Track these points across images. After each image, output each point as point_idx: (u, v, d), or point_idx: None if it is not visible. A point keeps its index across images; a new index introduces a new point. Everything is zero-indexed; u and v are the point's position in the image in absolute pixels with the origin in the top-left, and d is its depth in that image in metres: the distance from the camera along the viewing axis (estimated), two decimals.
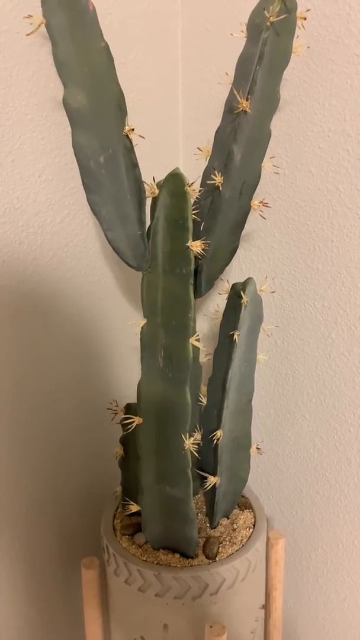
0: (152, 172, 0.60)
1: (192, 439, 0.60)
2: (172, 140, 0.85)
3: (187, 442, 0.60)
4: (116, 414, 0.68)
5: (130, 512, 0.69)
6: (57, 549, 0.85)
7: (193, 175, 0.64)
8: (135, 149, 0.79)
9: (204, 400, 0.69)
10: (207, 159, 0.65)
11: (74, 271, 0.77)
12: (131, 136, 0.55)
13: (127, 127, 0.54)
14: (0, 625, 0.81)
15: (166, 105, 0.83)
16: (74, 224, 0.75)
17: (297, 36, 0.60)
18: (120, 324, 0.85)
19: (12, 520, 0.78)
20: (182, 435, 0.60)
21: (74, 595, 0.88)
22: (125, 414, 0.66)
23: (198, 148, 0.67)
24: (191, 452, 0.61)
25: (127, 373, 0.88)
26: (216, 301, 0.86)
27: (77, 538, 0.88)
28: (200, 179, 0.65)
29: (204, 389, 0.71)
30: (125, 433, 0.68)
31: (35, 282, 0.73)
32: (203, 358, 0.73)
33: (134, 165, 0.56)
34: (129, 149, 0.55)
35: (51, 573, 0.85)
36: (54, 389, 0.79)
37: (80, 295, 0.79)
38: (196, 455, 0.62)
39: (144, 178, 0.59)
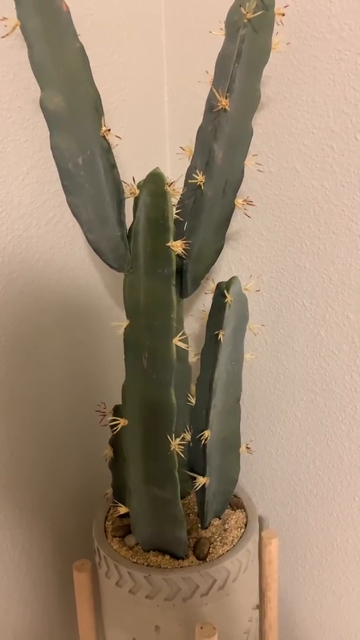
0: (138, 172, 0.60)
1: (178, 439, 0.60)
2: (158, 141, 0.85)
3: (173, 443, 0.60)
4: (104, 415, 0.68)
5: (120, 514, 0.69)
6: (51, 551, 0.85)
7: (182, 176, 0.64)
8: (121, 150, 0.79)
9: (193, 401, 0.69)
10: (190, 158, 0.65)
11: (61, 274, 0.77)
12: (108, 137, 0.55)
13: (103, 128, 0.54)
14: None
15: (152, 106, 0.83)
16: (60, 226, 0.75)
17: (277, 32, 0.59)
18: (110, 325, 0.85)
19: (5, 522, 0.78)
20: (168, 437, 0.60)
21: (69, 596, 0.88)
22: (113, 415, 0.66)
23: (181, 147, 0.66)
24: (178, 453, 0.60)
25: (119, 374, 0.87)
26: (205, 301, 0.86)
27: (72, 540, 0.88)
28: (183, 178, 0.64)
29: (193, 388, 0.71)
30: (114, 434, 0.68)
31: (22, 286, 0.72)
32: (192, 358, 0.73)
33: (112, 166, 0.56)
34: (107, 150, 0.55)
35: (45, 575, 0.85)
36: (45, 392, 0.79)
37: (68, 297, 0.78)
38: (182, 456, 0.61)
39: (130, 179, 0.59)
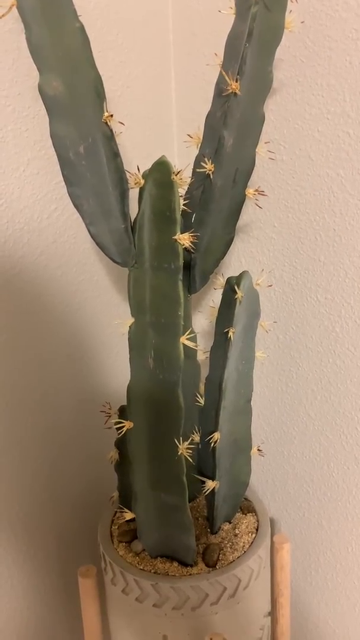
0: (144, 162, 0.56)
1: (186, 443, 0.57)
2: (165, 128, 0.81)
3: (180, 446, 0.57)
4: (109, 416, 0.65)
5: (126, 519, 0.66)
6: (56, 556, 0.83)
7: (189, 165, 0.61)
8: (127, 138, 0.76)
9: (202, 401, 0.66)
10: (199, 146, 0.62)
11: (64, 268, 0.74)
12: (111, 123, 0.52)
13: (105, 114, 0.50)
14: (0, 632, 0.79)
15: (158, 92, 0.79)
16: (63, 219, 0.72)
17: (290, 11, 0.56)
18: (116, 322, 0.82)
19: (9, 526, 0.76)
20: (175, 440, 0.57)
21: (74, 602, 0.85)
22: (119, 416, 0.64)
23: (188, 135, 0.63)
24: (186, 457, 0.58)
25: (124, 373, 0.85)
26: (214, 297, 0.83)
27: (77, 544, 0.85)
28: (191, 167, 0.61)
29: (202, 388, 0.68)
30: (120, 436, 0.65)
31: (24, 281, 0.70)
32: (201, 356, 0.70)
33: (115, 155, 0.52)
34: (109, 137, 0.52)
35: (50, 580, 0.83)
36: (49, 392, 0.76)
37: (71, 293, 0.76)
38: (190, 460, 0.58)
39: (135, 168, 0.55)
